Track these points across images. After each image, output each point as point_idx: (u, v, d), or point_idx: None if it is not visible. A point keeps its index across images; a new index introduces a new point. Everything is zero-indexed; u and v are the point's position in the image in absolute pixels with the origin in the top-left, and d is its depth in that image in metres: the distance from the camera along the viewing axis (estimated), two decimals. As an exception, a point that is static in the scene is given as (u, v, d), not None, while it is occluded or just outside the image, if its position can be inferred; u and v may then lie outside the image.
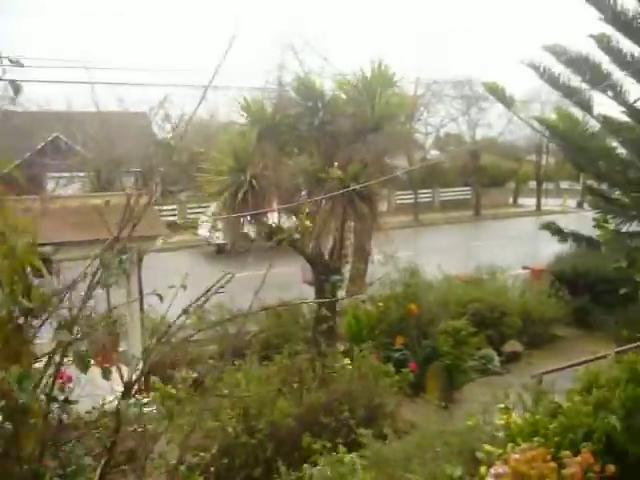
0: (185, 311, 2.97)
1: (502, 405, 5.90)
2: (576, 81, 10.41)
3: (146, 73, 43.35)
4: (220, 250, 23.17)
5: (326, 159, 9.54)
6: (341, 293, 10.96)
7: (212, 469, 6.35)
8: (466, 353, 10.69)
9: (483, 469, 4.79)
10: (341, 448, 6.47)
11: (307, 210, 8.68)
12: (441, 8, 63.44)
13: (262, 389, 8.07)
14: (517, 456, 4.24)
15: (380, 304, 11.43)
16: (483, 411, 6.25)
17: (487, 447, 5.05)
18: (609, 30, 9.63)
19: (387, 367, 9.09)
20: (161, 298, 2.97)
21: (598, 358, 6.13)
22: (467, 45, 54.46)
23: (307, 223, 8.38)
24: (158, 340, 3.00)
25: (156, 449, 4.09)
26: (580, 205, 41.04)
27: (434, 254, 17.81)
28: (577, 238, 12.05)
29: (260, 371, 8.61)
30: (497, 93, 11.08)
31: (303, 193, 9.75)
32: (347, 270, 10.76)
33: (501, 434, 5.52)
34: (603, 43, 9.70)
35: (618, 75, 9.88)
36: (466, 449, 5.71)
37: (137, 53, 51.08)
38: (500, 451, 4.80)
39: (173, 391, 5.02)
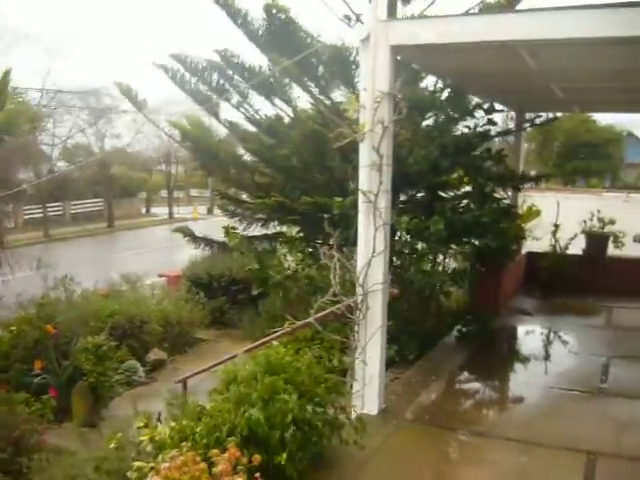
0: None
1: (144, 418, 5.79)
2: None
3: None
4: None
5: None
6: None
7: None
8: (110, 368, 10.36)
9: (138, 486, 4.67)
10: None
11: None
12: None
13: None
14: (167, 464, 4.23)
15: (13, 328, 10.56)
16: (128, 426, 6.10)
17: (137, 463, 4.92)
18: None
19: (20, 396, 8.46)
20: None
21: (232, 357, 6.41)
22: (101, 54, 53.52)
23: None
24: None
25: None
26: (210, 211, 42.92)
27: (70, 269, 17.04)
28: (208, 242, 12.50)
29: None
30: (129, 95, 11.01)
31: None
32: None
33: (150, 447, 5.43)
34: (225, 57, 10.16)
35: (244, 86, 10.40)
36: (114, 469, 5.55)
37: None
38: (152, 464, 4.72)
39: None
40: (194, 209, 45.38)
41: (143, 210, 49.45)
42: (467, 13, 6.49)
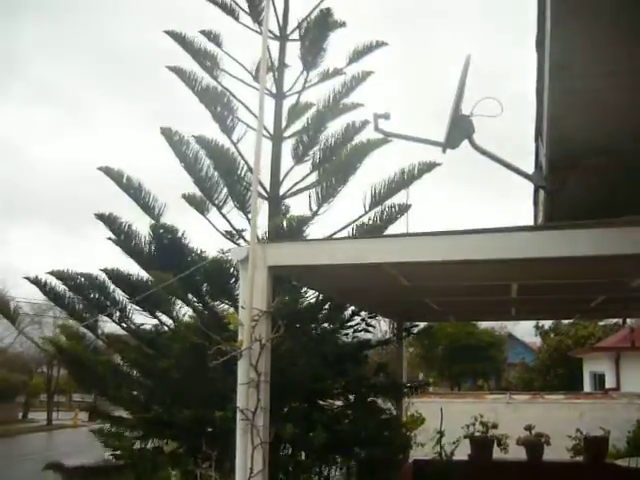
0: None
1: None
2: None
3: None
4: None
5: None
6: None
7: None
8: None
9: None
10: None
11: None
12: None
13: None
14: None
15: None
16: None
17: None
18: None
19: None
20: None
21: None
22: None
23: None
24: None
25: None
26: (92, 418, 40.67)
27: None
28: (83, 471, 11.65)
29: None
30: (2, 310, 10.76)
31: None
32: None
33: None
34: (109, 273, 10.22)
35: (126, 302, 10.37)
36: None
37: None
38: None
39: None
40: (74, 415, 43.00)
41: (20, 415, 46.47)
42: (337, 238, 6.91)
